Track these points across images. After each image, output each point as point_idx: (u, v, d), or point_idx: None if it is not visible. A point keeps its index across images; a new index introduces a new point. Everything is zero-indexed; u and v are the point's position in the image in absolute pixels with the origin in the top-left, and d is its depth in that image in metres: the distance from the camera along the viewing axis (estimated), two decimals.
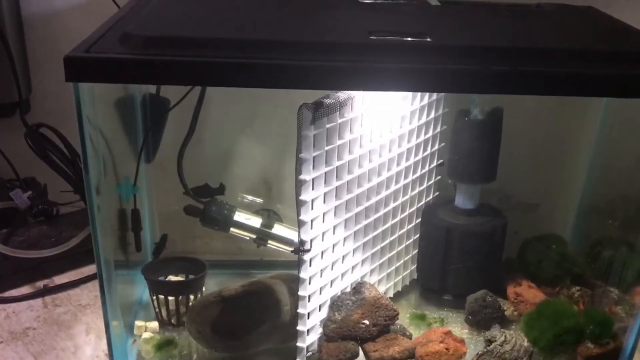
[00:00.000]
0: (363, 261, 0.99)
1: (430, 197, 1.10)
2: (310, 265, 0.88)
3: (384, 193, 0.98)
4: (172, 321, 0.99)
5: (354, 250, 0.96)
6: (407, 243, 1.08)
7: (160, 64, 0.71)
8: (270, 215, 1.05)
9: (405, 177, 1.02)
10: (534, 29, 0.89)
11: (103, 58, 0.71)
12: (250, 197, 1.11)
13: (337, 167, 0.88)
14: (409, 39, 0.78)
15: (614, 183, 1.08)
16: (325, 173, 0.87)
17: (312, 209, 0.86)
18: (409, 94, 0.96)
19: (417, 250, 1.09)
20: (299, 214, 0.85)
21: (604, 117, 1.07)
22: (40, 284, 1.13)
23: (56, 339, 1.00)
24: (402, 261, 1.07)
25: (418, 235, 1.08)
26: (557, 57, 0.77)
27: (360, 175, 0.93)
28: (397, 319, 0.95)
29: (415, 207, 1.07)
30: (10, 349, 0.98)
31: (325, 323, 0.93)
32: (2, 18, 1.13)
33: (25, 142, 1.12)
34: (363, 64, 0.72)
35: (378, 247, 1.01)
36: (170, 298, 0.98)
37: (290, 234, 1.03)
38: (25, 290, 1.11)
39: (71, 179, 1.13)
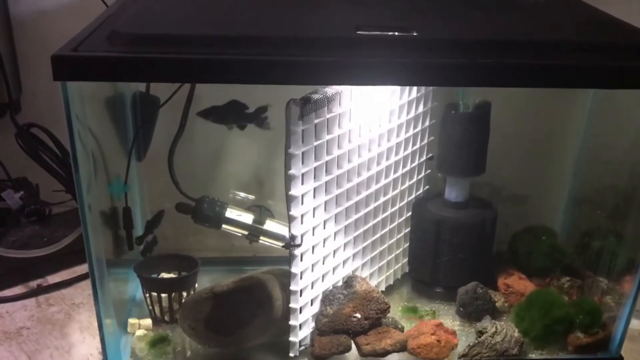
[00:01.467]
0: (354, 255, 0.99)
1: (420, 190, 1.11)
2: (301, 260, 0.89)
3: (373, 187, 0.99)
4: (166, 318, 0.99)
5: (345, 245, 0.97)
6: (398, 237, 1.08)
7: (148, 61, 0.71)
8: (261, 211, 1.05)
9: (395, 171, 1.03)
10: (520, 22, 0.89)
11: (91, 56, 0.71)
12: (242, 194, 1.11)
13: (326, 162, 0.89)
14: (396, 33, 0.78)
15: (601, 174, 1.09)
16: (315, 168, 0.87)
17: (302, 204, 0.86)
18: (397, 89, 0.97)
19: (408, 244, 1.10)
20: (289, 209, 0.85)
21: (590, 109, 1.08)
22: (34, 283, 1.13)
23: (50, 338, 1.01)
24: (393, 255, 1.08)
25: (409, 228, 1.09)
26: (543, 49, 0.78)
27: (349, 170, 0.93)
28: (389, 312, 0.95)
29: (405, 201, 1.08)
30: (4, 349, 0.98)
31: (317, 317, 0.93)
32: None
33: (16, 142, 1.12)
34: (350, 59, 0.73)
35: (369, 241, 1.01)
36: (163, 295, 0.98)
37: (282, 229, 1.03)
38: (18, 290, 1.11)
39: (63, 178, 1.14)
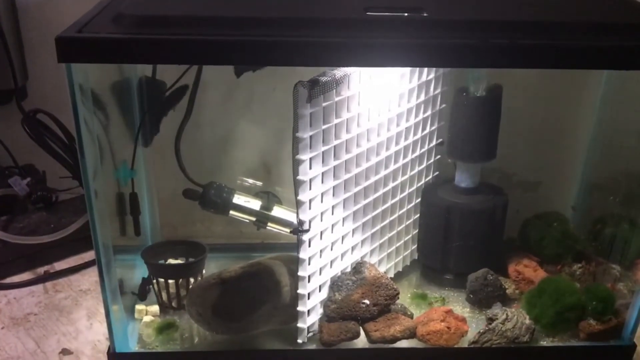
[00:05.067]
0: (363, 241, 0.98)
1: (430, 176, 1.10)
2: (309, 246, 0.88)
3: (383, 172, 0.98)
4: (173, 304, 0.99)
5: (354, 231, 0.96)
6: (407, 223, 1.07)
7: (154, 42, 0.70)
8: (269, 197, 1.04)
9: (405, 156, 1.01)
10: (532, 2, 0.88)
11: (95, 38, 0.70)
12: (249, 180, 1.10)
13: (334, 146, 0.88)
14: (406, 14, 0.77)
15: (615, 159, 1.07)
16: (323, 152, 0.86)
17: (310, 189, 0.85)
18: (407, 72, 0.96)
19: (417, 230, 1.08)
20: (297, 194, 0.84)
21: (604, 92, 1.06)
22: (41, 270, 1.13)
23: (57, 324, 1.01)
24: (402, 241, 1.07)
25: (418, 215, 1.08)
26: (556, 30, 0.77)
27: (358, 155, 0.92)
28: (398, 298, 0.94)
29: (415, 187, 1.06)
30: (12, 335, 0.98)
31: (325, 303, 0.92)
32: None
33: (23, 128, 1.11)
34: (359, 40, 0.71)
35: (378, 227, 1.00)
36: (170, 281, 0.98)
37: (290, 216, 1.02)
38: (26, 276, 1.11)
39: (69, 165, 1.13)
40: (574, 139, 1.12)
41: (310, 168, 0.85)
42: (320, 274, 0.92)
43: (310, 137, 0.83)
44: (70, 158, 1.12)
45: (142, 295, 0.99)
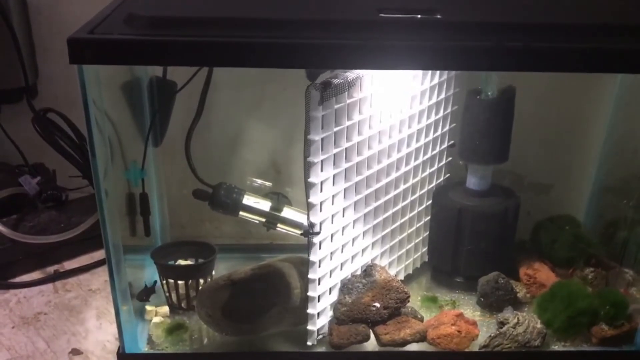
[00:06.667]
0: (373, 244, 0.98)
1: (441, 178, 1.09)
2: (320, 248, 0.87)
3: (394, 175, 0.97)
4: (183, 305, 0.99)
5: (364, 233, 0.95)
6: (418, 225, 1.07)
7: (166, 44, 0.70)
8: (279, 198, 1.03)
9: (416, 158, 1.01)
10: (546, 4, 0.87)
11: (107, 39, 0.70)
12: (259, 181, 1.10)
13: (346, 148, 0.87)
14: (419, 16, 0.76)
15: (628, 162, 1.06)
16: (334, 155, 0.86)
17: (321, 191, 0.85)
18: (419, 74, 0.95)
19: (428, 233, 1.08)
20: (307, 197, 0.84)
21: (618, 95, 1.05)
22: (51, 269, 1.13)
23: (67, 323, 1.01)
24: (412, 243, 1.06)
25: (429, 217, 1.07)
26: (571, 33, 0.76)
27: (369, 157, 0.92)
28: (408, 301, 0.94)
29: (426, 189, 1.06)
30: (22, 334, 0.98)
31: (335, 306, 0.92)
32: (6, 2, 1.12)
33: (33, 127, 1.11)
34: (372, 42, 0.71)
35: (388, 230, 1.00)
36: (180, 282, 0.97)
37: (300, 217, 1.02)
38: (35, 275, 1.11)
39: (79, 164, 1.13)
40: (586, 141, 1.11)
41: (322, 170, 0.84)
42: (330, 276, 0.91)
43: (322, 139, 0.82)
44: (80, 157, 1.13)
45: (141, 295, 0.99)
